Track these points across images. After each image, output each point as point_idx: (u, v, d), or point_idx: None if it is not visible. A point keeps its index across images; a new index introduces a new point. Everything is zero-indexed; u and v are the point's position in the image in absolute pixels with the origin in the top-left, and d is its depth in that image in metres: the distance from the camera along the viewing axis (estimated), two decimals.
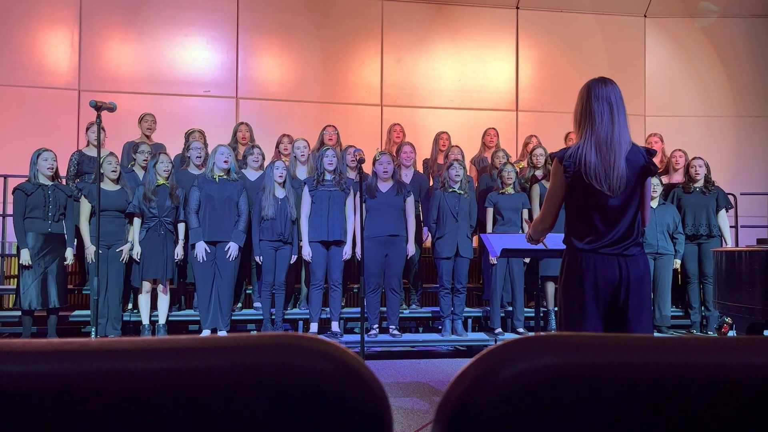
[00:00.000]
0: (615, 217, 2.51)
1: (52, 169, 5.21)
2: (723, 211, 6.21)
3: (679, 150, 6.59)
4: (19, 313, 5.20)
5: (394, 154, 6.15)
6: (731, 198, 6.54)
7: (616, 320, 2.55)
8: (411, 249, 5.61)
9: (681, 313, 6.37)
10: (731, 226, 6.67)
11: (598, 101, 2.49)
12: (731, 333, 5.61)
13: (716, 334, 5.94)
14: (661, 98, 8.53)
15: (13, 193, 5.22)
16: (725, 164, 7.93)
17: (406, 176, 5.99)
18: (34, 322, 5.22)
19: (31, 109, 7.21)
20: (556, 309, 4.40)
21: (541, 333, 0.56)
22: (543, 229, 2.72)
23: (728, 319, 5.61)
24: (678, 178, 6.52)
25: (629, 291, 2.51)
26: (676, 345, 0.55)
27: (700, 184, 6.20)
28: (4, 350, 0.50)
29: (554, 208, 2.61)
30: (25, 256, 5.02)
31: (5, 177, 6.46)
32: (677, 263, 6.13)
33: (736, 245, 6.70)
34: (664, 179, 6.49)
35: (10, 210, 5.65)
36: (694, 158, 6.26)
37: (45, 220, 5.12)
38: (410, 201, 5.60)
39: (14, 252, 5.56)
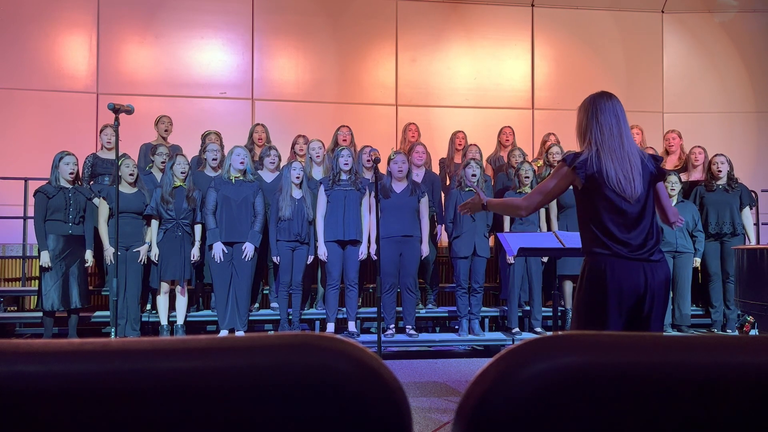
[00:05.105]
0: (633, 224, 2.54)
1: (74, 173, 5.27)
2: (747, 208, 6.11)
3: (699, 147, 6.48)
4: (40, 314, 5.27)
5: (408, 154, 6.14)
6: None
7: (636, 327, 2.54)
8: (425, 249, 5.60)
9: (701, 312, 6.29)
10: (753, 224, 6.56)
11: (605, 114, 2.59)
12: (753, 332, 5.53)
13: (738, 333, 5.86)
14: (679, 95, 8.42)
15: (34, 195, 5.29)
16: (746, 161, 7.81)
17: (417, 176, 5.97)
18: (56, 323, 5.29)
19: (51, 112, 7.31)
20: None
21: (560, 332, 0.56)
22: (517, 215, 2.91)
23: (750, 318, 5.53)
24: (697, 175, 6.42)
25: (654, 301, 2.52)
26: (696, 344, 0.54)
27: (722, 181, 6.09)
28: (27, 351, 0.51)
29: (542, 203, 2.74)
30: (45, 258, 5.09)
31: (26, 180, 6.55)
32: (697, 261, 6.05)
33: (758, 243, 6.60)
34: (683, 177, 6.39)
35: (31, 212, 5.72)
36: (716, 155, 6.15)
37: (66, 223, 5.18)
38: (424, 201, 5.59)
39: (35, 254, 5.63)
